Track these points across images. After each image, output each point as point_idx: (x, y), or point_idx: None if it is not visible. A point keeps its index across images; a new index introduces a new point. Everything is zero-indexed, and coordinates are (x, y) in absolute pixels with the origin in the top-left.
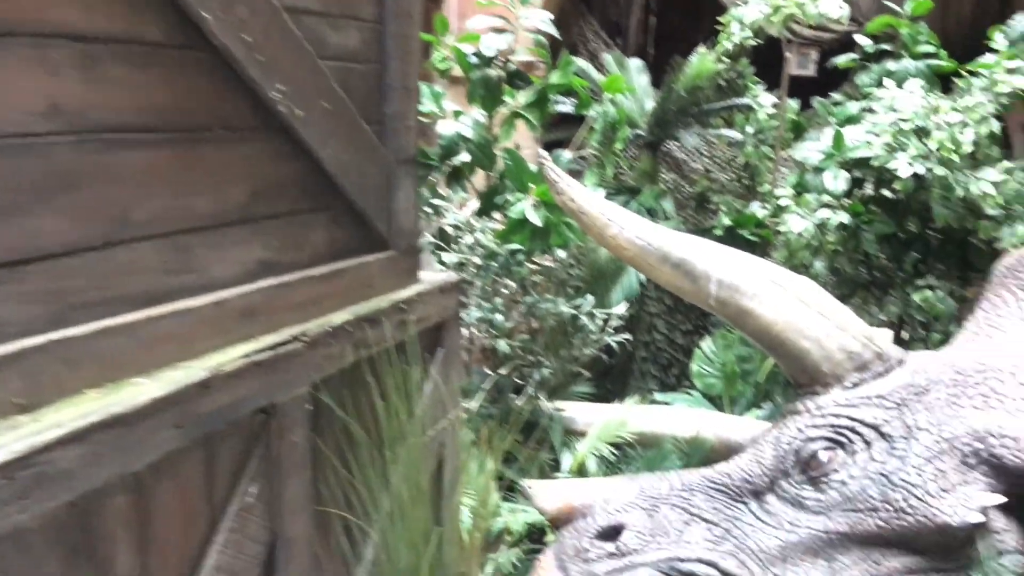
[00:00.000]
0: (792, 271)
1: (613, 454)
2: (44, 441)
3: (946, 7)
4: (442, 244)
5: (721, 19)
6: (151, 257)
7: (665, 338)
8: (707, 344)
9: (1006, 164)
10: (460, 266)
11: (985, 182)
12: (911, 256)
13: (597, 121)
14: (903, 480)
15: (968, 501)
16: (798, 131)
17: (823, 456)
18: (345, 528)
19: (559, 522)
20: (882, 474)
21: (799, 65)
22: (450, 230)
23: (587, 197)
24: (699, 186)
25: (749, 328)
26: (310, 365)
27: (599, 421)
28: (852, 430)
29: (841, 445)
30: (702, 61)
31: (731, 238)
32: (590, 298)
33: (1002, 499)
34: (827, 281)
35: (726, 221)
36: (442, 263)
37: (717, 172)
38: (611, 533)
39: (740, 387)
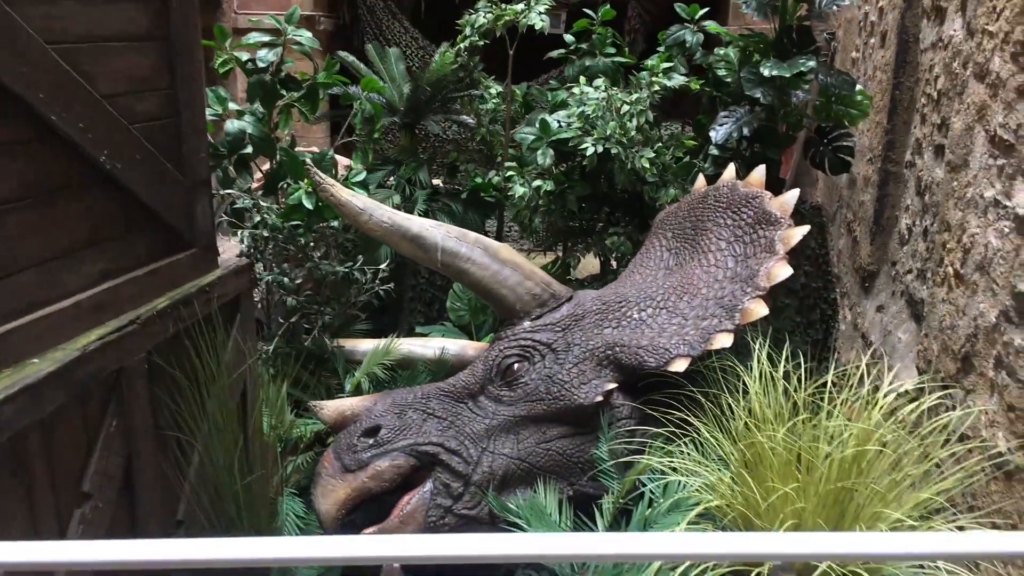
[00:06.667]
0: (520, 224)
1: (382, 376)
2: None
3: None
4: (235, 221)
5: (458, 23)
6: (31, 279)
7: (427, 280)
8: (457, 284)
9: (659, 144)
10: (252, 237)
11: (645, 157)
12: (604, 211)
13: (357, 115)
14: (559, 379)
15: (596, 389)
16: (529, 108)
17: (516, 367)
18: (178, 445)
19: (337, 428)
20: (548, 376)
21: (552, 26)
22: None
23: (344, 193)
24: (451, 157)
25: (466, 282)
26: (145, 338)
27: (370, 351)
28: (534, 348)
29: (527, 359)
30: (443, 58)
31: (475, 199)
32: (360, 258)
33: (615, 385)
34: (545, 232)
35: (470, 185)
36: (237, 235)
37: (466, 144)
38: (372, 431)
39: (482, 317)
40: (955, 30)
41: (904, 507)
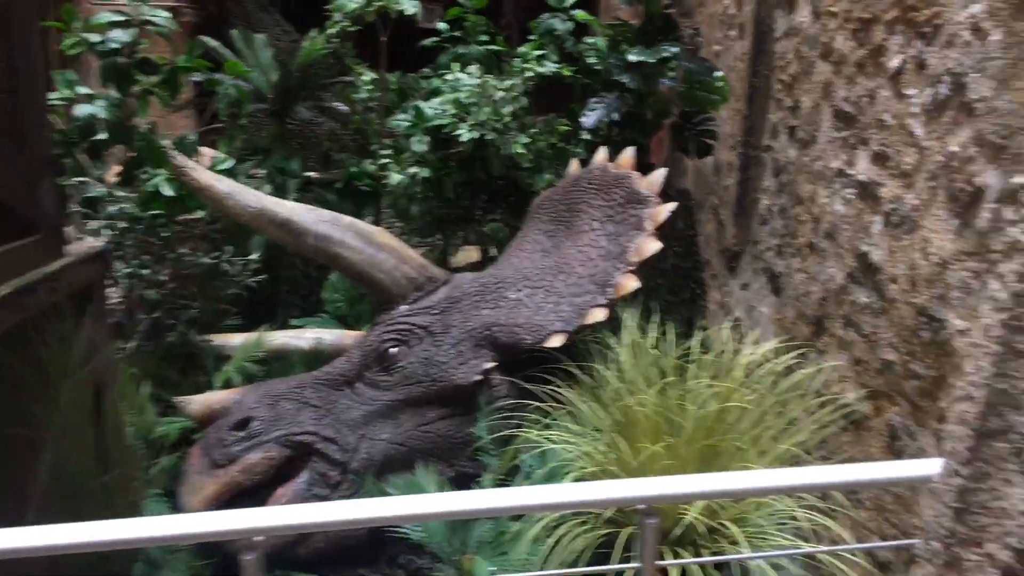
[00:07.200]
0: (397, 212)
1: (254, 370)
2: None
3: None
4: (89, 212)
5: (328, 7)
6: None
7: (302, 273)
8: (334, 275)
9: (533, 131)
10: (109, 229)
11: (519, 144)
12: (481, 198)
13: (222, 101)
14: (438, 360)
15: (474, 368)
16: (404, 97)
17: (393, 352)
18: (27, 443)
19: (206, 423)
20: (426, 359)
21: (425, 19)
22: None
23: (207, 176)
24: (324, 146)
25: (340, 267)
26: None
27: (241, 345)
28: (411, 331)
29: (405, 343)
30: (312, 43)
31: (349, 189)
32: (229, 248)
33: (493, 364)
34: (422, 219)
35: (345, 175)
36: (90, 228)
37: (340, 132)
38: (243, 424)
39: (360, 307)
40: (804, 17)
41: (765, 459)
